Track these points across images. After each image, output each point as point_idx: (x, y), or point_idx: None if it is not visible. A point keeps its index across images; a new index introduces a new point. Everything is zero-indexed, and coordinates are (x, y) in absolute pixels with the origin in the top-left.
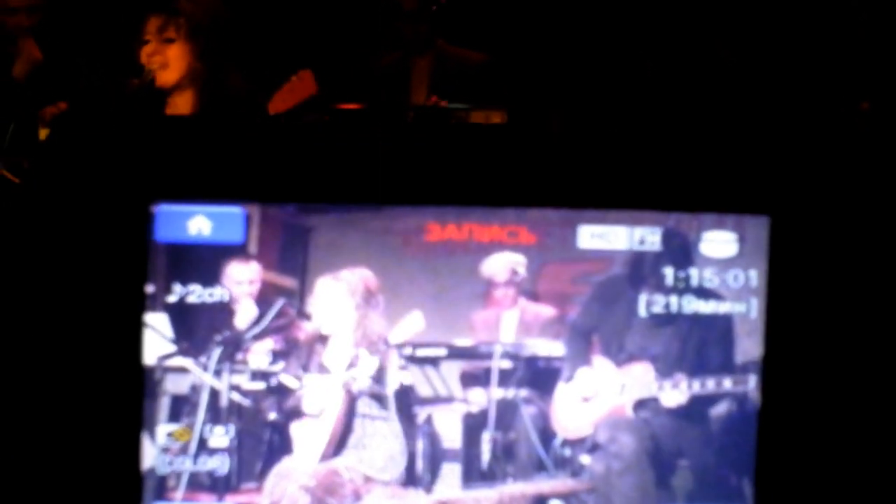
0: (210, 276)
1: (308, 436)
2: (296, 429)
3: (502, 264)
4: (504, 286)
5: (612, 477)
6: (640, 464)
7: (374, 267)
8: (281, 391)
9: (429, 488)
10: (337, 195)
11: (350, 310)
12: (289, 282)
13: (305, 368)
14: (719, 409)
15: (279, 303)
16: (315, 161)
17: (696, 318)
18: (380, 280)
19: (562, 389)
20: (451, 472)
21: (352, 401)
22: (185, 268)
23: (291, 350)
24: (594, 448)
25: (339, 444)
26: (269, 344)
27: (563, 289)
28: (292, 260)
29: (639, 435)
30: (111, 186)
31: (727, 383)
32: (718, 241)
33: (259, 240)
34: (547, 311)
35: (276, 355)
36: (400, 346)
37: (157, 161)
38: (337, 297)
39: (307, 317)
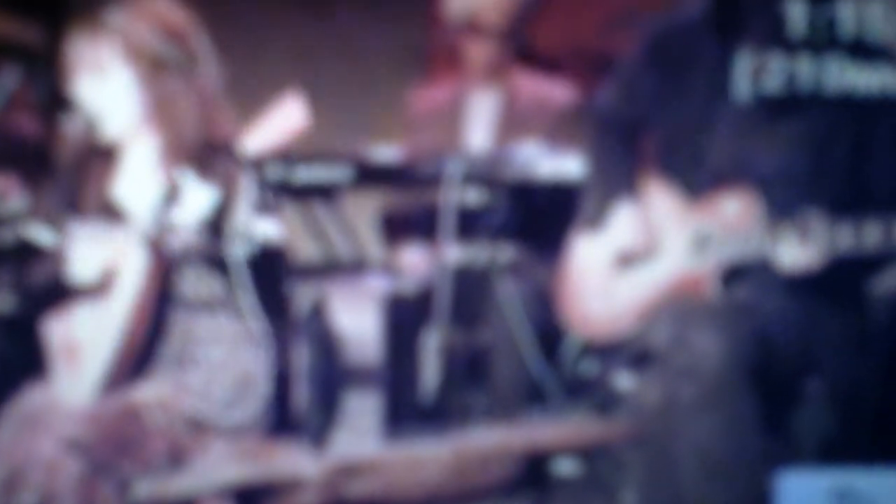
0: None
1: (77, 345)
2: (54, 331)
3: None
4: (472, 36)
5: (677, 415)
6: (732, 390)
7: None
8: (21, 256)
9: (319, 441)
10: None
11: (136, 88)
12: (20, 32)
13: (69, 209)
14: (891, 283)
15: (8, 77)
16: None
17: (851, 104)
18: (198, 15)
19: (581, 246)
20: (362, 411)
21: (165, 273)
22: None
23: (39, 174)
24: (642, 360)
25: (139, 359)
26: None
27: (587, 42)
28: None
29: (732, 332)
30: None
31: None
32: None
33: None
34: (556, 90)
35: (9, 185)
36: (259, 163)
37: None
38: (109, 63)
39: (67, 107)
